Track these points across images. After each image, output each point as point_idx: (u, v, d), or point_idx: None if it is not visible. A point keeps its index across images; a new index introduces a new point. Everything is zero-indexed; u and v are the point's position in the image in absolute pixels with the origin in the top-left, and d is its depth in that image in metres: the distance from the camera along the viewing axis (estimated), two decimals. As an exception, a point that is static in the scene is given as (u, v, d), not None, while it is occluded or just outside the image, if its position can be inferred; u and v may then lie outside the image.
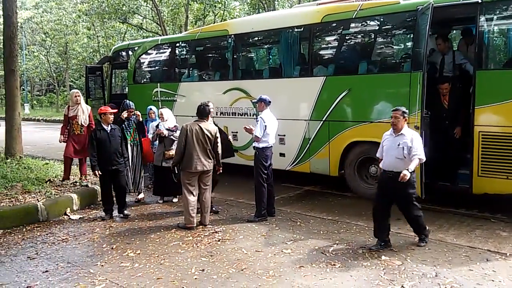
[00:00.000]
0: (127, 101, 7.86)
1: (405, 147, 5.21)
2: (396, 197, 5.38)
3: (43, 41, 34.07)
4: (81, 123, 8.42)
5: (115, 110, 7.32)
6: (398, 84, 7.11)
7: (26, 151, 10.47)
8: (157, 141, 7.60)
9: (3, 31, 9.90)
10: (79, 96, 8.56)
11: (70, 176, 8.52)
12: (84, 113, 8.47)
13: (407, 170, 5.04)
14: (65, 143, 8.54)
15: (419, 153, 5.21)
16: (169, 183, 7.05)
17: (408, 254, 5.16)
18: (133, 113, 7.71)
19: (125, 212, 7.07)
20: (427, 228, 5.54)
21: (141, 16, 24.79)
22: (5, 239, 6.01)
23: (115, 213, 7.04)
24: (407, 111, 5.41)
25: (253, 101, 7.19)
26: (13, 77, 9.69)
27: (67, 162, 8.48)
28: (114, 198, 7.09)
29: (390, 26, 7.83)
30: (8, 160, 9.32)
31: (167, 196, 7.85)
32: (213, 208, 7.12)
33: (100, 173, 6.83)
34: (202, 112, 6.45)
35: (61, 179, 8.43)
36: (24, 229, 6.41)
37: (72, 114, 8.43)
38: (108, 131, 6.91)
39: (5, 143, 9.87)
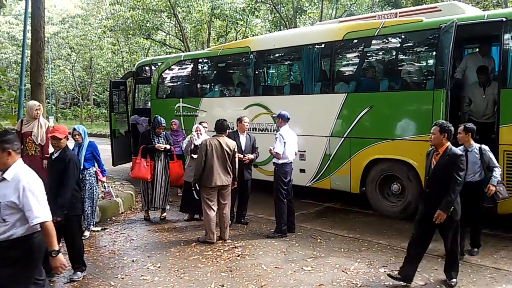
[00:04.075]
0: (159, 117, 7.48)
1: (8, 204, 3.22)
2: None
3: (69, 56, 35.06)
4: (38, 142, 6.83)
5: (65, 134, 5.15)
6: (421, 102, 7.06)
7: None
8: (191, 156, 7.27)
9: (31, 45, 10.16)
10: (39, 109, 6.98)
11: None
12: (41, 129, 6.88)
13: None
14: None
15: (37, 216, 3.23)
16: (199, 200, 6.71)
17: (432, 275, 5.07)
18: (163, 130, 7.47)
19: (78, 274, 5.04)
20: None
21: (164, 32, 25.30)
22: (28, 250, 6.09)
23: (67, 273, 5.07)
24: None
25: (273, 116, 7.18)
26: (39, 90, 9.90)
27: None
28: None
29: (412, 44, 7.81)
30: (33, 172, 9.46)
31: (195, 213, 7.54)
32: (242, 220, 7.30)
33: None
34: (221, 127, 6.50)
35: None
36: (47, 240, 6.49)
37: (25, 129, 6.82)
38: (52, 160, 5.06)
39: (30, 154, 10.04)
